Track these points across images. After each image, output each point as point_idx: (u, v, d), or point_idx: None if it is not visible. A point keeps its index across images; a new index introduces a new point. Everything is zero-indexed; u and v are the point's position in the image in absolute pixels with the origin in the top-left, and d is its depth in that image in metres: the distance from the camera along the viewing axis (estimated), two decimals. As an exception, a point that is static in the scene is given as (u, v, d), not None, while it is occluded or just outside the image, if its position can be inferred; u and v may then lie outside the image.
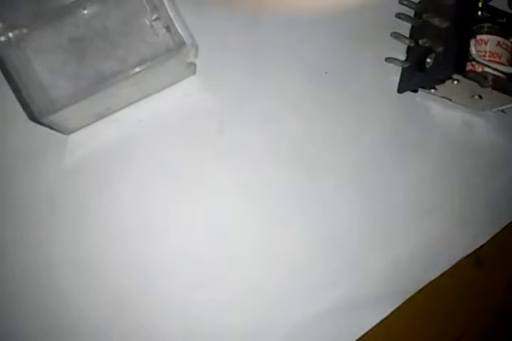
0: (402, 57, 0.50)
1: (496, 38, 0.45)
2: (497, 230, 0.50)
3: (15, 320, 0.44)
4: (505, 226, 0.50)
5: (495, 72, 0.44)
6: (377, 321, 0.47)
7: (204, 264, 0.46)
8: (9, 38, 0.41)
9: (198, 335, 0.46)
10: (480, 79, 0.44)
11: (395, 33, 0.49)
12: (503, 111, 0.49)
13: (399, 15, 0.49)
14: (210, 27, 0.47)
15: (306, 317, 0.47)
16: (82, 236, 0.45)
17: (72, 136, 0.46)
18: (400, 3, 0.49)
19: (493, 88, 0.44)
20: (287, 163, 0.48)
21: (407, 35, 0.50)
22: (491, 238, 0.50)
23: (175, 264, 0.46)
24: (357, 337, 0.47)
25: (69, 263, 0.45)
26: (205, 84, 0.47)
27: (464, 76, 0.44)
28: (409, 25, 0.50)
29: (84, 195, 0.46)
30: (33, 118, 0.42)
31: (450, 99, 0.49)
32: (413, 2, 0.49)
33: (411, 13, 0.50)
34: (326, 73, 0.49)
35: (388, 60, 0.49)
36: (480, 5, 0.45)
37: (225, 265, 0.46)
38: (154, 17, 0.43)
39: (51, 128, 0.43)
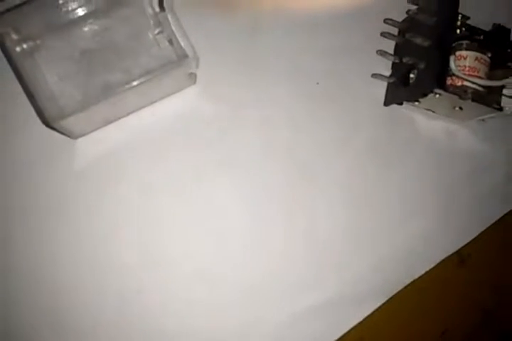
0: (389, 71, 0.51)
1: (475, 54, 0.47)
2: (479, 231, 0.51)
3: (18, 318, 0.45)
4: (488, 227, 0.51)
5: (474, 86, 0.46)
6: (361, 319, 0.48)
7: (201, 262, 0.48)
8: (23, 48, 0.43)
9: (193, 331, 0.47)
10: (460, 92, 0.46)
11: (380, 50, 0.51)
12: (483, 120, 0.50)
13: (384, 34, 0.51)
14: (209, 38, 0.48)
15: (293, 314, 0.48)
16: (87, 236, 0.46)
17: (80, 140, 0.47)
18: (385, 22, 0.51)
19: (473, 100, 0.46)
20: (280, 168, 0.49)
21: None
22: (474, 238, 0.51)
23: (174, 263, 0.47)
24: (341, 334, 0.48)
25: (73, 263, 0.46)
26: (205, 93, 0.48)
27: (445, 90, 0.45)
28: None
29: (90, 197, 0.47)
30: (45, 123, 0.44)
31: (433, 111, 0.50)
32: (397, 21, 0.51)
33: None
34: (317, 84, 0.51)
35: (374, 75, 0.51)
36: (459, 23, 0.47)
37: (220, 262, 0.48)
38: (158, 31, 0.44)
39: (61, 132, 0.45)
